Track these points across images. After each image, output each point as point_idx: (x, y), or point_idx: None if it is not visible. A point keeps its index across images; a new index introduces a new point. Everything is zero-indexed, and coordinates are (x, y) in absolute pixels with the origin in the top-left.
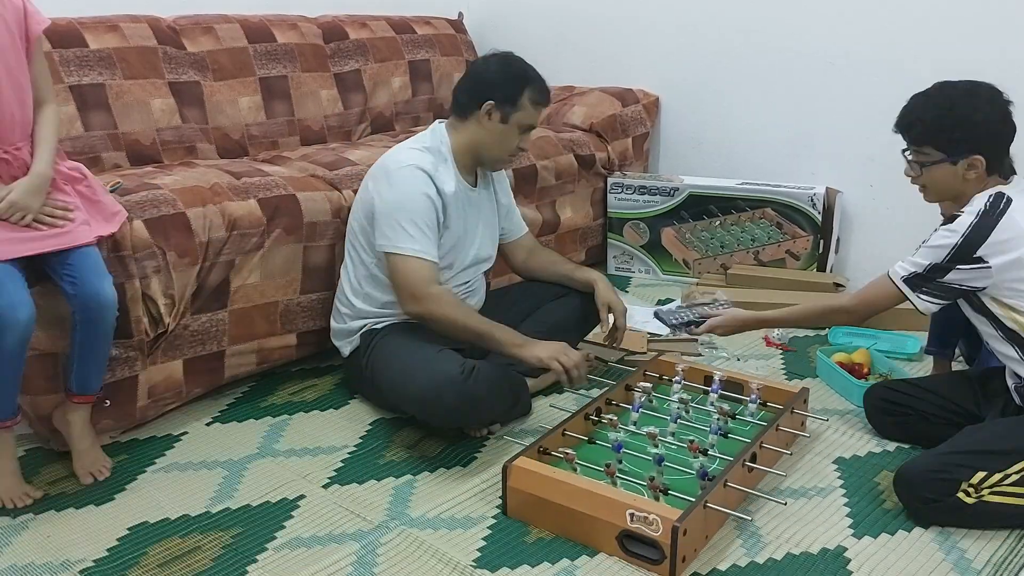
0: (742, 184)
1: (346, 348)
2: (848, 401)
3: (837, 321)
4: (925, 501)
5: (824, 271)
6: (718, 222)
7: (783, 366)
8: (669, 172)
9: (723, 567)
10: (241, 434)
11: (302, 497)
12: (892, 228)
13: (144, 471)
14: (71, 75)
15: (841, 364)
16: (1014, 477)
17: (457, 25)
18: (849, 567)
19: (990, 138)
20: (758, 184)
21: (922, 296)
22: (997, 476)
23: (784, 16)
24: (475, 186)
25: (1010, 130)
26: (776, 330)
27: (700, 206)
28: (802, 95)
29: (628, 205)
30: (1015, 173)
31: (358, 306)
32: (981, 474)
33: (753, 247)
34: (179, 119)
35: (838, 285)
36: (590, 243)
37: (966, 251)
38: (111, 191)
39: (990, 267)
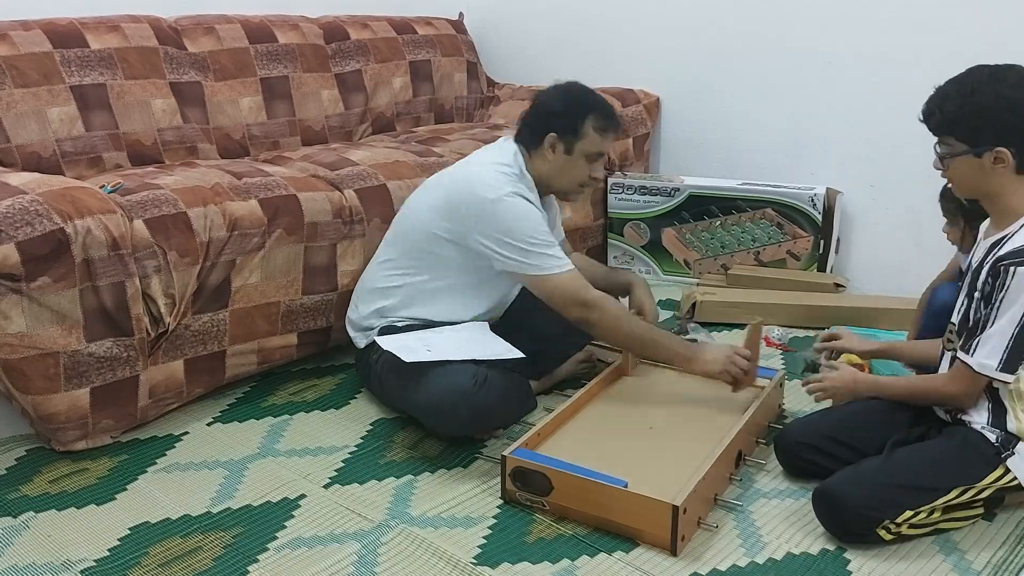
0: (742, 184)
1: (361, 341)
2: None
3: (945, 404)
4: (845, 532)
5: (824, 271)
6: (719, 222)
7: (783, 366)
8: (669, 172)
9: (723, 567)
10: (242, 434)
11: (303, 497)
12: (893, 228)
13: (145, 471)
14: (72, 75)
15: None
16: (936, 513)
17: (458, 25)
18: (849, 567)
19: (1017, 128)
20: (758, 184)
21: (997, 363)
22: (922, 514)
23: (784, 16)
24: (545, 209)
25: None
26: (777, 330)
27: (700, 206)
28: (802, 95)
29: (629, 205)
30: None
31: (393, 310)
32: (908, 513)
33: (754, 247)
34: (180, 119)
35: (838, 285)
36: (591, 243)
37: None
38: (111, 192)
39: None
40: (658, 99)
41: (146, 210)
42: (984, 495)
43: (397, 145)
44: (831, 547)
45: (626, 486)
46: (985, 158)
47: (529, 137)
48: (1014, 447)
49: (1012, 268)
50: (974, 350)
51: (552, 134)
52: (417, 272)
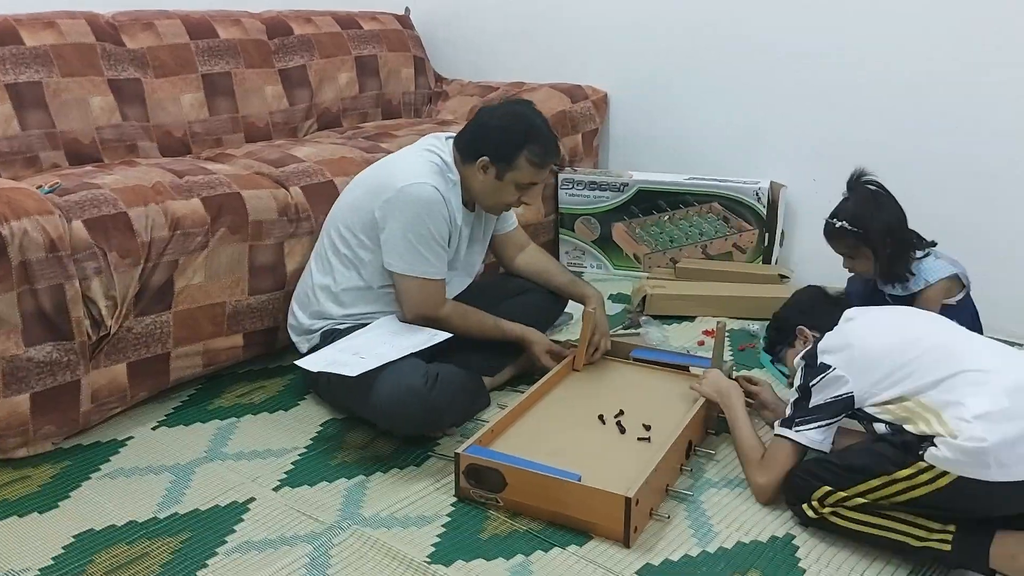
0: (689, 179)
1: (304, 345)
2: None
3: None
4: (788, 503)
5: (770, 263)
6: (667, 217)
7: (729, 355)
8: (618, 168)
9: (675, 557)
10: (188, 438)
11: (252, 500)
12: None
13: (88, 477)
14: (7, 73)
15: None
16: (856, 501)
17: (404, 20)
18: (797, 554)
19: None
20: (705, 179)
21: (800, 429)
22: (840, 494)
23: (730, 14)
24: (473, 210)
25: None
26: (716, 323)
27: (649, 201)
28: (747, 91)
29: (579, 201)
30: None
31: (329, 309)
32: (827, 488)
33: (701, 241)
34: (119, 117)
35: (783, 277)
36: (542, 239)
37: (811, 358)
38: (49, 192)
39: (834, 370)
40: (606, 95)
41: (85, 210)
42: (907, 496)
43: (343, 141)
44: (780, 534)
45: (579, 480)
46: None
47: (464, 149)
48: (931, 442)
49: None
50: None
51: (484, 157)
52: (348, 271)
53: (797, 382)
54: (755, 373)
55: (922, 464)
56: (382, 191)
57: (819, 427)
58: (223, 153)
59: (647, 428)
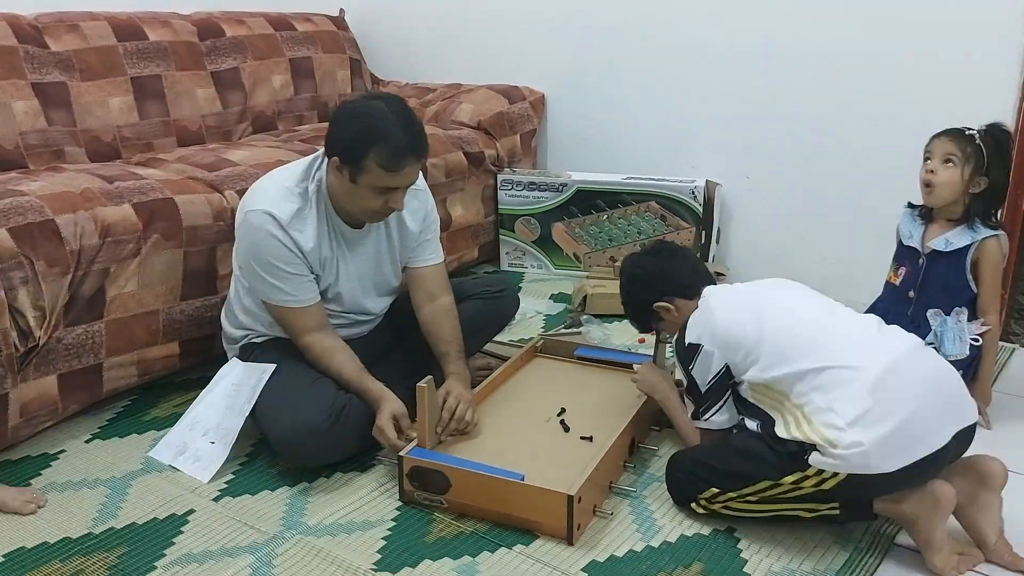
0: (627, 179)
1: (232, 354)
2: None
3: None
4: (672, 496)
5: (707, 261)
6: (606, 216)
7: (670, 351)
8: (557, 168)
9: (620, 553)
10: (124, 450)
11: (191, 512)
12: (768, 217)
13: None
14: None
15: None
16: (746, 498)
17: (338, 22)
18: (739, 545)
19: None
20: (642, 179)
21: (706, 418)
22: (731, 495)
23: (663, 15)
24: (360, 226)
25: (653, 273)
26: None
27: (588, 201)
28: (680, 90)
29: (518, 201)
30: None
31: (241, 319)
32: (715, 490)
33: (640, 239)
34: (44, 121)
35: (719, 274)
36: (482, 240)
37: (680, 343)
38: None
39: (700, 346)
40: (543, 96)
41: (9, 218)
42: (794, 493)
43: (279, 144)
44: (722, 527)
45: (523, 479)
46: (663, 316)
47: (326, 149)
48: (809, 453)
49: None
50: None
51: (336, 159)
52: (239, 285)
53: (680, 370)
54: None
55: (808, 471)
56: (238, 214)
57: (718, 409)
58: (154, 158)
59: (590, 439)
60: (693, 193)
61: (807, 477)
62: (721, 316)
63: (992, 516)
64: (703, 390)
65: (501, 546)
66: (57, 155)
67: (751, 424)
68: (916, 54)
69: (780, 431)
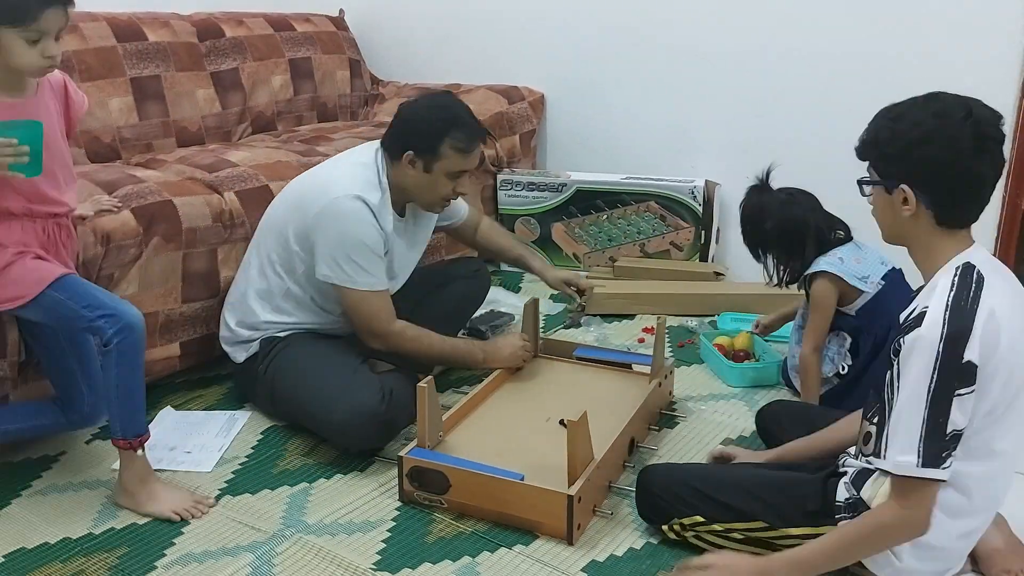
0: (626, 179)
1: (240, 355)
2: (726, 384)
3: (898, 540)
4: (643, 512)
5: (706, 261)
6: (605, 216)
7: (670, 354)
8: (556, 168)
9: (620, 552)
10: None
11: None
12: None
13: (19, 495)
14: None
15: (721, 347)
16: (733, 533)
17: (338, 22)
18: None
19: (928, 170)
20: (642, 179)
21: (947, 465)
22: (715, 527)
23: (663, 15)
24: (403, 216)
25: (971, 169)
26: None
27: (587, 201)
28: (680, 90)
29: (518, 201)
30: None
31: (265, 317)
32: (698, 519)
33: (639, 239)
34: None
35: (718, 274)
36: None
37: (954, 352)
38: None
39: (975, 388)
40: (543, 96)
41: None
42: (784, 543)
43: (279, 145)
44: None
45: (523, 479)
46: (895, 196)
47: (391, 148)
48: (858, 512)
49: (901, 340)
50: (885, 449)
51: (410, 152)
52: (282, 280)
53: (930, 380)
54: (694, 369)
55: (823, 528)
56: (315, 202)
57: (954, 455)
58: (154, 159)
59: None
60: (693, 193)
61: (819, 535)
62: (1010, 350)
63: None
64: (953, 428)
65: (501, 546)
66: None
67: (850, 465)
68: (916, 54)
69: (866, 491)
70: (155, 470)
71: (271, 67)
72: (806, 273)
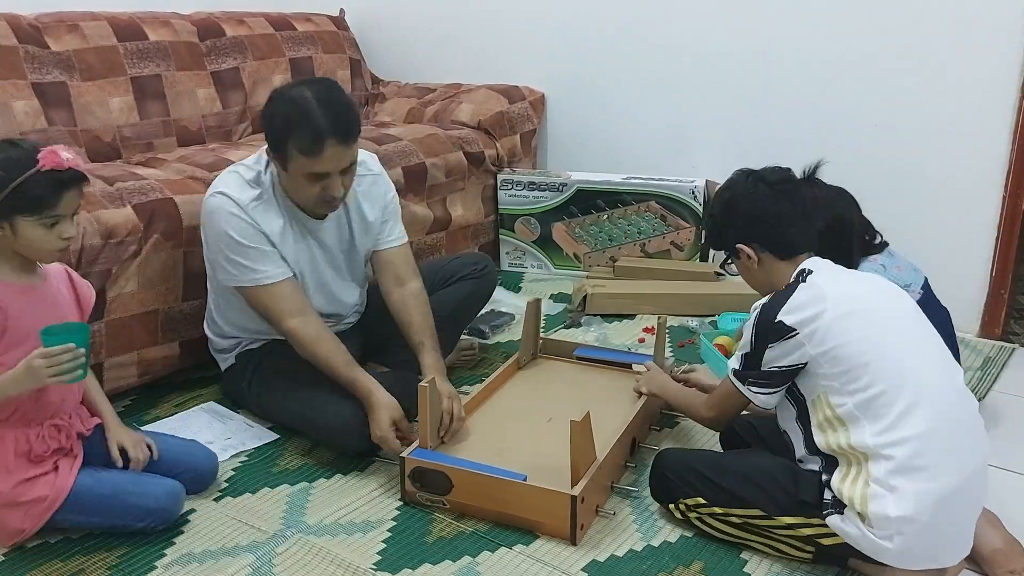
0: (627, 179)
1: (223, 363)
2: None
3: (701, 422)
4: (653, 490)
5: (707, 261)
6: (606, 216)
7: (670, 353)
8: (557, 168)
9: (620, 552)
10: None
11: (192, 512)
12: None
13: None
14: None
15: (722, 347)
16: (729, 519)
17: (339, 22)
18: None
19: (745, 223)
20: (642, 178)
21: (752, 388)
22: (716, 510)
23: (663, 15)
24: (322, 217)
25: (771, 208)
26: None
27: (588, 201)
28: (680, 91)
29: (518, 201)
30: (812, 249)
31: (225, 328)
32: (700, 500)
33: (640, 239)
34: (44, 121)
35: (718, 274)
36: (482, 240)
37: (767, 319)
38: None
39: (797, 333)
40: (543, 96)
41: None
42: (782, 533)
43: None
44: None
45: (526, 480)
46: (743, 258)
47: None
48: (841, 510)
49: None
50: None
51: (267, 148)
52: (216, 291)
53: (751, 330)
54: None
55: (813, 521)
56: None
57: (771, 392)
58: (154, 158)
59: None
60: (693, 193)
61: (809, 526)
62: (836, 320)
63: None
64: (767, 368)
65: (501, 546)
66: None
67: (811, 464)
68: (916, 54)
69: (836, 481)
70: None
71: (272, 66)
72: None
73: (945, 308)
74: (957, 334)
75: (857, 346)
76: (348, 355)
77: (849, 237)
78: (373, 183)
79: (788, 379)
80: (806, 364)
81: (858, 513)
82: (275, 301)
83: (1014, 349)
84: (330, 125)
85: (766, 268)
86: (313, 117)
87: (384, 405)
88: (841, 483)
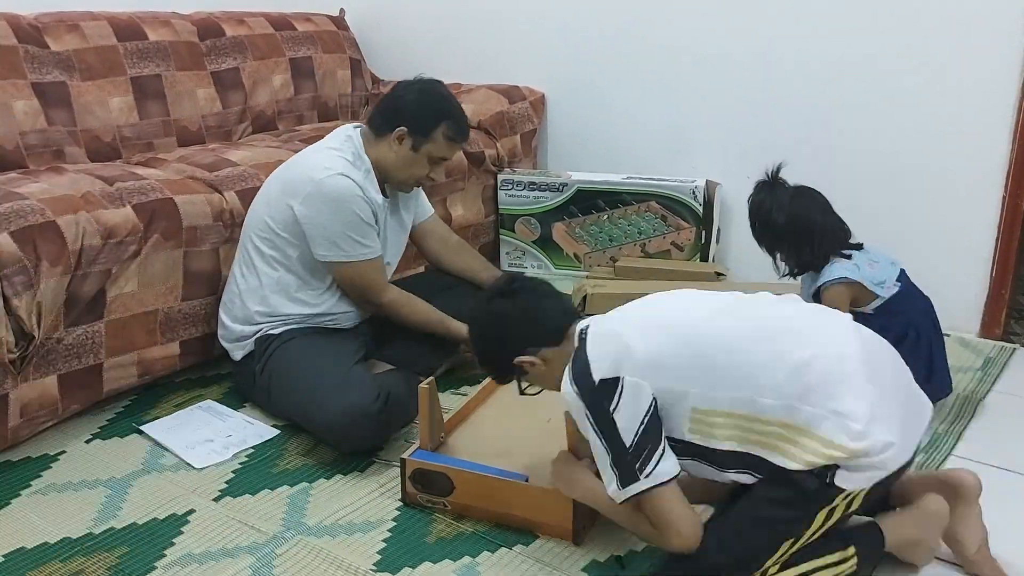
0: (627, 179)
1: (238, 353)
2: None
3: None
4: None
5: (707, 261)
6: (606, 216)
7: None
8: (557, 168)
9: (620, 553)
10: (124, 450)
11: (192, 512)
12: None
13: (19, 494)
14: None
15: None
16: (777, 567)
17: (339, 22)
18: None
19: (509, 342)
20: (642, 179)
21: (646, 471)
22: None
23: (664, 15)
24: (386, 196)
25: (520, 320)
26: None
27: (588, 201)
28: (681, 91)
29: (519, 201)
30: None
31: (255, 310)
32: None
33: (640, 239)
34: (44, 121)
35: (719, 274)
36: (483, 240)
37: (588, 387)
38: None
39: (620, 378)
40: (543, 96)
41: (11, 222)
42: (818, 535)
43: (279, 144)
44: None
45: (527, 481)
46: (530, 370)
47: (380, 123)
48: (832, 475)
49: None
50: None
51: (402, 128)
52: (275, 271)
53: (588, 422)
54: None
55: (836, 500)
56: (300, 187)
57: (662, 455)
58: (154, 158)
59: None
60: (693, 193)
61: (835, 508)
62: (636, 338)
63: (971, 528)
64: (636, 434)
65: (501, 546)
66: (57, 155)
67: (738, 476)
68: (916, 54)
69: (788, 464)
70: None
71: (272, 66)
72: (824, 282)
73: (927, 297)
74: (957, 334)
75: (685, 340)
76: (438, 312)
77: (810, 237)
78: None
79: (659, 430)
80: (655, 401)
81: (837, 453)
82: (378, 273)
83: (1014, 349)
84: (467, 123)
85: (553, 363)
86: (461, 113)
87: None
88: (806, 458)
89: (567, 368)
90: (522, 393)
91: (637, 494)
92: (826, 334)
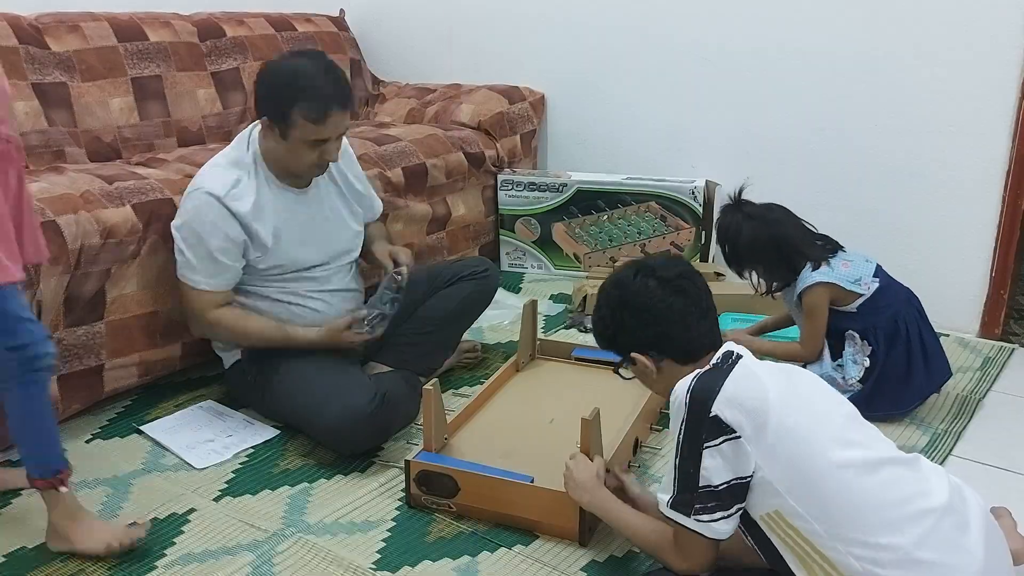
0: (627, 179)
1: (229, 360)
2: None
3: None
4: None
5: (707, 261)
6: (606, 216)
7: None
8: (557, 168)
9: (619, 554)
10: (125, 450)
11: (192, 511)
12: None
13: (19, 494)
14: None
15: None
16: None
17: (339, 22)
18: None
19: (634, 333)
20: (642, 179)
21: (701, 518)
22: None
23: (663, 15)
24: (305, 186)
25: (664, 311)
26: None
27: (588, 201)
28: (680, 91)
29: (518, 202)
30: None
31: None
32: None
33: (640, 240)
34: (45, 122)
35: (719, 274)
36: (482, 240)
37: (699, 416)
38: None
39: (739, 437)
40: (543, 96)
41: None
42: None
43: None
44: None
45: (532, 482)
46: (639, 365)
47: (258, 114)
48: None
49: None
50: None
51: (265, 118)
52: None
53: (678, 430)
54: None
55: None
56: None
57: (726, 516)
58: (154, 158)
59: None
60: (693, 193)
61: None
62: (784, 417)
63: None
64: (713, 486)
65: (501, 546)
66: (57, 155)
67: (756, 551)
68: (916, 54)
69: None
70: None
71: None
72: (800, 290)
73: (907, 287)
74: (956, 334)
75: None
76: (277, 325)
77: (780, 253)
78: (352, 159)
79: (741, 499)
80: (751, 478)
81: None
82: (196, 300)
83: (1014, 349)
84: (333, 93)
85: (666, 376)
86: (317, 86)
87: (328, 327)
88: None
89: (694, 373)
90: (616, 372)
91: (681, 524)
92: (958, 546)
